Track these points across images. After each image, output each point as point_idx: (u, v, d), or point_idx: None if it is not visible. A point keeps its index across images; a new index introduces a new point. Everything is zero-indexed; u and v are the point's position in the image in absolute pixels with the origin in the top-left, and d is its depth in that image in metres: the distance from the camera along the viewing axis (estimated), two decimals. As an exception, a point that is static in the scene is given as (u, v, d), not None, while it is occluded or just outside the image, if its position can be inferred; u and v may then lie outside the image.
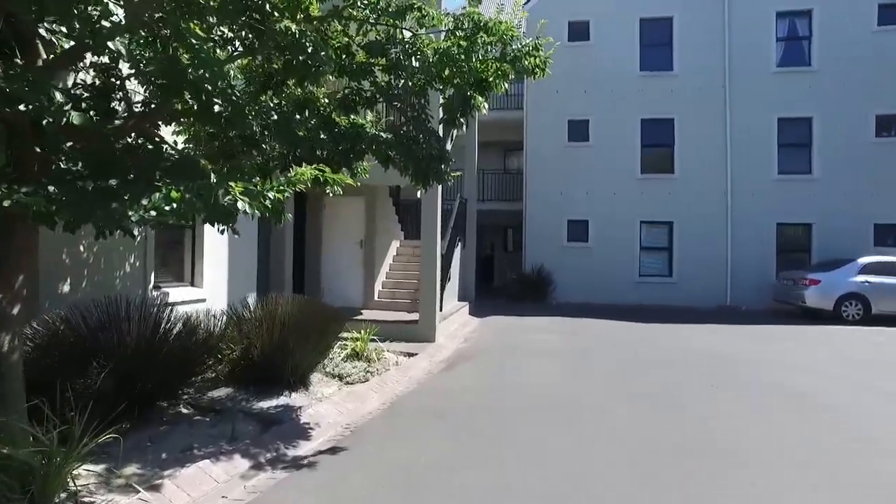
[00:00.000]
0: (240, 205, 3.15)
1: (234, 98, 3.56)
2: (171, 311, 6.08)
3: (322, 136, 4.46)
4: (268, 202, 3.34)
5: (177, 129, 4.75)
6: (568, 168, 16.79)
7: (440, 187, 9.29)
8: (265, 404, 5.11)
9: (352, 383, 6.22)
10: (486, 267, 20.69)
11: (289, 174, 3.39)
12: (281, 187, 3.44)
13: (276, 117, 4.05)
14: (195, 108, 3.64)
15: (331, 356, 6.83)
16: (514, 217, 18.47)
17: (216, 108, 3.52)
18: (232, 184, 3.17)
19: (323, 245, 11.27)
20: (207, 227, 7.81)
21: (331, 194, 4.28)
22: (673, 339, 10.26)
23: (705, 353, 8.85)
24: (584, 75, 16.69)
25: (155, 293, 6.30)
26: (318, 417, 5.01)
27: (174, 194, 2.97)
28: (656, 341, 10.05)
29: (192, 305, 6.77)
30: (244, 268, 8.07)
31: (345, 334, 7.80)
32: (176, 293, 6.71)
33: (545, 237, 16.84)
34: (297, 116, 4.37)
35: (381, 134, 4.74)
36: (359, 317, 9.68)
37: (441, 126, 5.37)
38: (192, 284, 7.23)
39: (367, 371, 6.64)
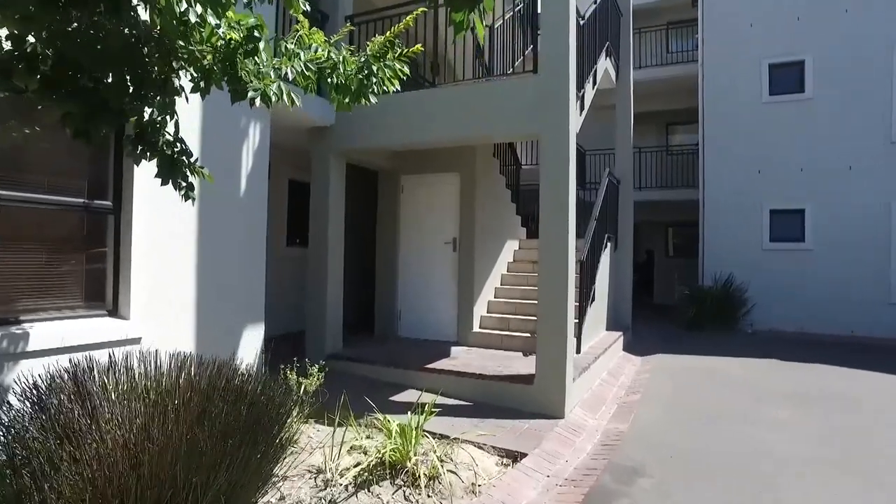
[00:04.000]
0: None
1: None
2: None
3: None
4: None
5: None
6: (769, 135, 11.52)
7: (571, 125, 5.19)
8: None
9: (339, 579, 2.48)
10: (643, 277, 15.62)
11: None
12: None
13: None
14: None
15: (328, 474, 3.17)
16: (680, 209, 13.55)
17: None
18: None
19: (400, 246, 7.72)
20: (139, 205, 4.40)
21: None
22: None
23: None
24: (794, -4, 11.40)
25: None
26: None
27: None
28: None
29: (106, 350, 3.54)
30: (234, 282, 4.74)
31: (408, 395, 4.06)
32: (56, 332, 3.49)
33: (733, 236, 11.70)
34: None
35: None
36: (437, 364, 5.92)
37: None
38: (116, 313, 4.04)
39: (397, 525, 2.85)
